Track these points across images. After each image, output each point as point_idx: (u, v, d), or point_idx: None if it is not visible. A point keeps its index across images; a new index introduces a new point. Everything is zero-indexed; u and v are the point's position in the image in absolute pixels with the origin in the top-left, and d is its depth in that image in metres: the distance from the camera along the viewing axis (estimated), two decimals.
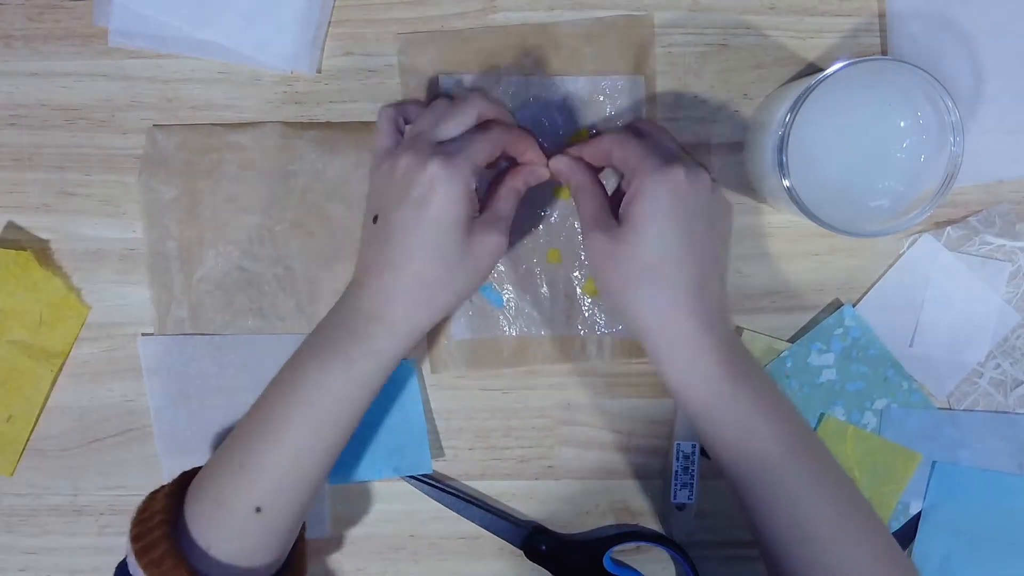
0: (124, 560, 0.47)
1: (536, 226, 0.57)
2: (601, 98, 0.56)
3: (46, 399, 0.58)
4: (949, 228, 0.56)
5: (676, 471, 0.57)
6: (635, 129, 0.51)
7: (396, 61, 0.56)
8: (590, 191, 0.50)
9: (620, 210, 0.47)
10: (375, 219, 0.48)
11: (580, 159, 0.52)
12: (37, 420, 0.58)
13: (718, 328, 0.46)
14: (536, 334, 0.57)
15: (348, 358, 0.47)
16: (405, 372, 0.57)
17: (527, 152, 0.52)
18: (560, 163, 0.52)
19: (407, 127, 0.51)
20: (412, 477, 0.58)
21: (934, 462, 0.57)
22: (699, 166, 0.47)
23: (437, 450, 0.58)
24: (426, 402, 0.58)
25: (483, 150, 0.48)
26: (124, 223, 0.57)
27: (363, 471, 0.58)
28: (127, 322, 0.58)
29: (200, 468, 0.49)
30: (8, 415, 0.58)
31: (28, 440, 0.58)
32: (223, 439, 0.50)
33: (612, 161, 0.50)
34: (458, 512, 0.58)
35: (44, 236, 0.57)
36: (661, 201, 0.45)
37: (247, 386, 0.57)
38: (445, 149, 0.47)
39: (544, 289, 0.57)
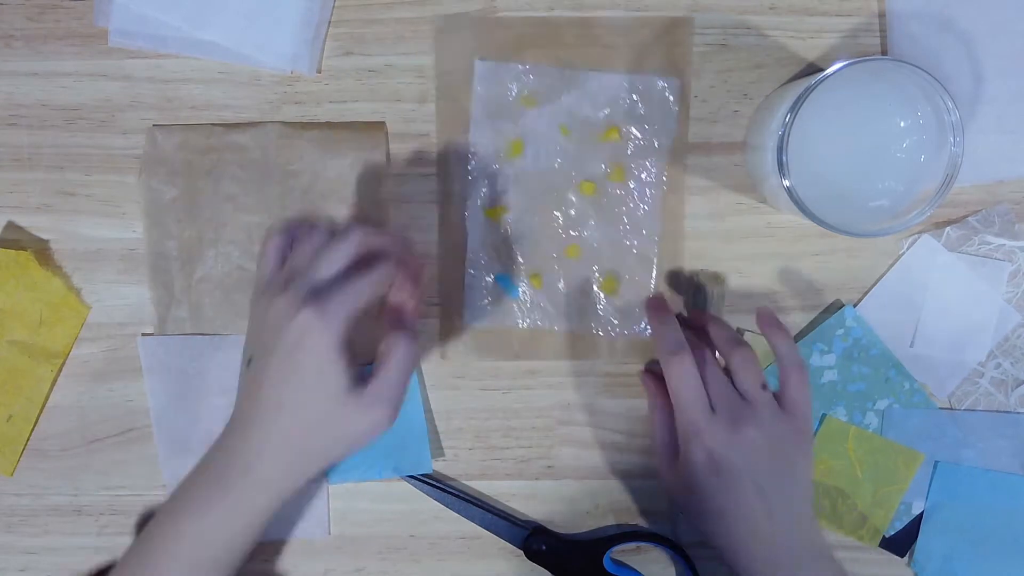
0: None
1: (558, 220, 0.56)
2: (635, 96, 0.55)
3: (46, 399, 0.58)
4: (948, 228, 0.56)
5: None
6: (701, 356, 0.51)
7: (431, 45, 0.55)
8: (660, 414, 0.54)
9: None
10: (249, 361, 0.46)
11: (658, 381, 0.54)
12: (37, 420, 0.58)
13: (784, 552, 0.48)
14: (549, 328, 0.57)
15: (222, 512, 0.46)
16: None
17: (410, 296, 0.50)
18: (646, 380, 0.56)
19: (288, 258, 0.48)
20: (412, 477, 0.58)
21: (936, 462, 0.57)
22: (753, 423, 0.49)
23: (437, 450, 0.58)
24: (426, 402, 0.58)
25: (361, 295, 0.45)
26: (124, 223, 0.57)
27: (363, 470, 0.58)
28: (127, 322, 0.58)
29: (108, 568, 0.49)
30: (8, 415, 0.58)
31: (28, 440, 0.58)
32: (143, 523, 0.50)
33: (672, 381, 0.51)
34: (458, 512, 0.58)
35: (44, 236, 0.57)
36: (700, 469, 0.49)
37: None
38: (319, 295, 0.44)
39: (561, 284, 0.57)
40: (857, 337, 0.56)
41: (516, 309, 0.57)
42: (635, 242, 0.56)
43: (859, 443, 0.57)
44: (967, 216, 0.56)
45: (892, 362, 0.56)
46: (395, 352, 0.46)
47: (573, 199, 0.56)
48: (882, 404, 0.57)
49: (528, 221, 0.56)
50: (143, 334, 0.57)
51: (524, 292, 0.57)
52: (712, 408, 0.49)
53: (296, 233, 0.48)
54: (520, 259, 0.57)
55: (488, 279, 0.57)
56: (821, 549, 0.49)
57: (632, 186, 0.56)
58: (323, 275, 0.45)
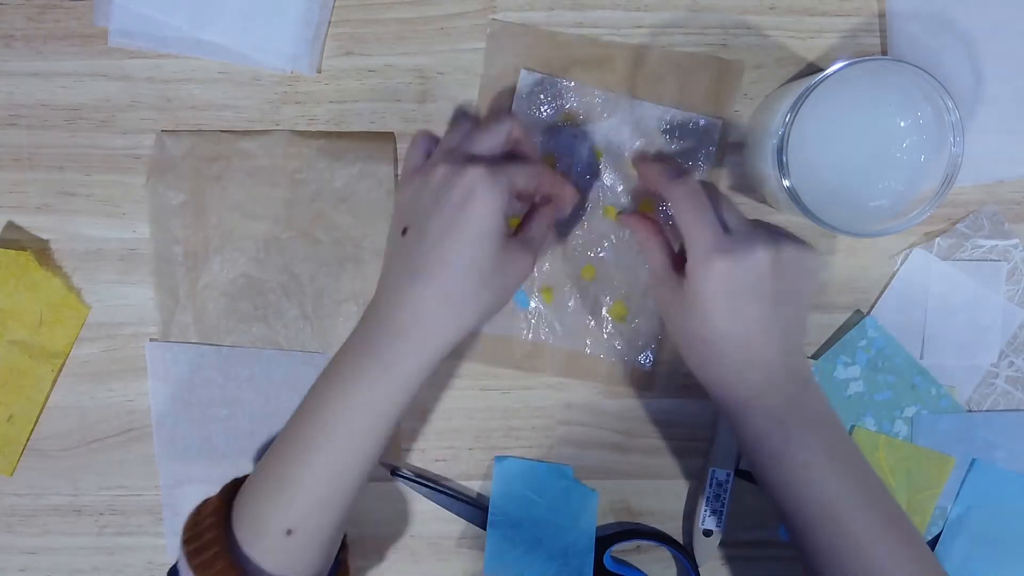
0: (175, 566, 0.47)
1: (576, 240, 0.57)
2: (677, 132, 0.55)
3: (46, 399, 0.58)
4: (938, 239, 0.56)
5: (708, 496, 0.57)
6: (695, 187, 0.49)
7: (483, 49, 0.56)
8: (655, 245, 0.51)
9: (685, 271, 0.48)
10: (404, 231, 0.47)
11: (646, 217, 0.53)
12: (37, 420, 0.58)
13: (774, 389, 0.47)
14: (553, 344, 0.57)
15: (371, 382, 0.45)
16: (588, 499, 0.57)
17: (564, 196, 0.52)
18: (628, 218, 0.54)
19: (437, 147, 0.50)
20: (408, 478, 0.58)
21: (973, 459, 0.57)
22: (762, 242, 0.46)
23: (437, 450, 0.58)
24: (425, 402, 0.58)
25: (521, 176, 0.47)
26: (124, 223, 0.57)
27: (522, 567, 0.57)
28: (127, 322, 0.58)
29: (245, 477, 0.49)
30: (8, 415, 0.58)
31: (28, 440, 0.58)
32: (264, 452, 0.49)
33: (675, 214, 0.49)
34: (457, 513, 0.58)
35: (44, 236, 0.57)
36: (709, 288, 0.46)
37: (251, 399, 0.57)
38: (484, 160, 0.46)
39: (572, 303, 0.57)
40: (880, 347, 0.56)
41: (524, 320, 0.57)
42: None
43: (890, 452, 0.57)
44: (955, 224, 0.56)
45: (917, 369, 0.56)
46: (538, 212, 0.51)
47: (596, 221, 0.56)
48: (910, 411, 0.57)
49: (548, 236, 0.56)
50: (151, 339, 0.57)
51: (535, 304, 0.57)
52: (725, 228, 0.47)
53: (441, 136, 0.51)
54: (535, 272, 0.57)
55: None
56: (808, 378, 0.48)
57: (659, 217, 0.56)
58: (481, 148, 0.47)
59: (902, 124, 0.50)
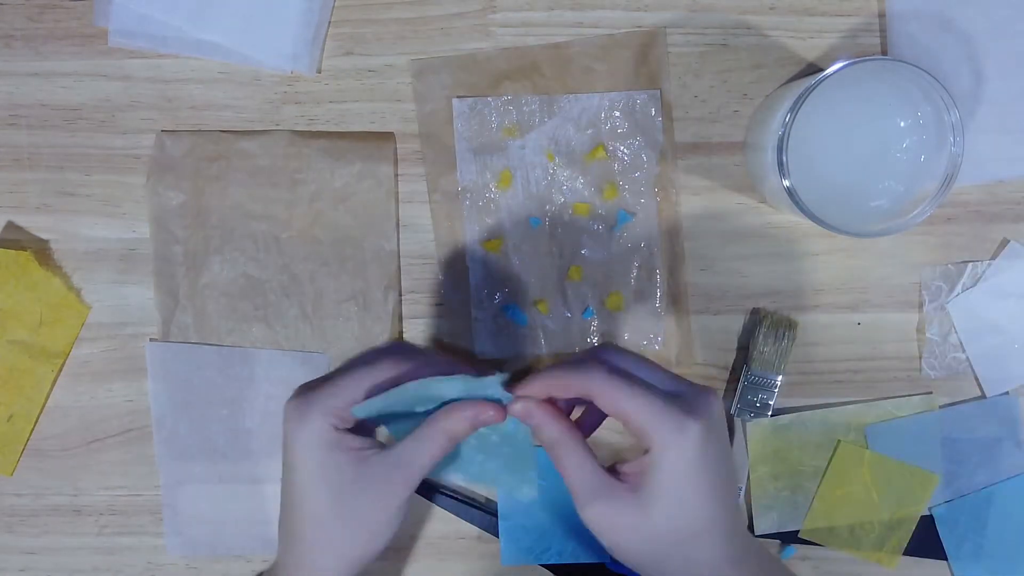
0: None
1: (555, 245, 0.56)
2: (617, 113, 0.56)
3: (46, 399, 0.58)
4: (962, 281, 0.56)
5: None
6: (611, 366, 0.41)
7: (411, 86, 0.56)
8: (572, 448, 0.41)
9: (632, 473, 0.41)
10: None
11: (550, 405, 0.42)
12: (37, 420, 0.58)
13: (750, 560, 0.42)
14: (565, 350, 0.57)
15: None
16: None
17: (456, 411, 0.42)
18: (526, 410, 0.42)
19: None
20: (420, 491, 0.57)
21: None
22: (705, 395, 0.41)
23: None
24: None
25: (353, 382, 0.42)
26: (124, 223, 0.57)
27: (538, 552, 0.57)
28: (127, 322, 0.58)
29: None
30: (8, 415, 0.58)
31: (28, 440, 0.58)
32: None
33: (605, 409, 0.41)
34: (457, 513, 0.58)
35: (44, 236, 0.57)
36: (690, 464, 0.39)
37: (251, 399, 0.57)
38: (304, 390, 0.43)
39: (567, 307, 0.57)
40: None
41: (529, 336, 0.57)
42: (635, 255, 0.56)
43: (874, 467, 0.56)
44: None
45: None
46: (428, 424, 0.42)
47: (568, 222, 0.56)
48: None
49: (526, 249, 0.56)
50: (151, 339, 0.57)
51: (533, 319, 0.57)
52: (661, 398, 0.40)
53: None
54: (524, 287, 0.57)
55: (494, 311, 0.57)
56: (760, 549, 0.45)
57: (627, 200, 0.56)
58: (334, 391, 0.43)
59: (902, 124, 0.50)
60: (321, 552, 0.42)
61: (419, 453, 0.42)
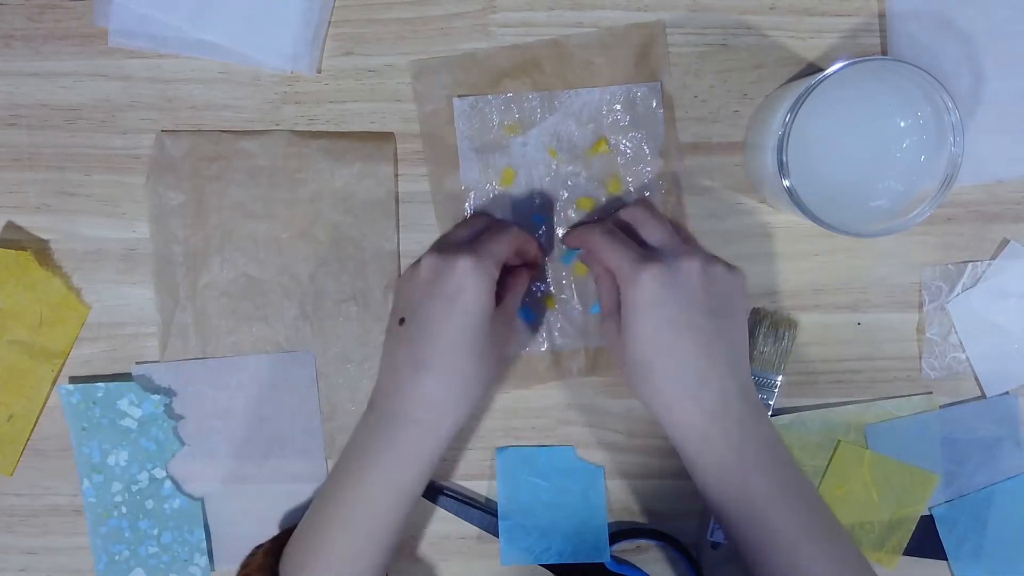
0: None
1: (559, 243, 0.57)
2: (618, 106, 0.56)
3: (46, 399, 0.58)
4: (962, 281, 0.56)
5: None
6: (618, 220, 0.52)
7: (411, 86, 0.56)
8: (603, 281, 0.52)
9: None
10: (401, 321, 0.49)
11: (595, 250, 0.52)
12: (37, 420, 0.58)
13: (730, 412, 0.46)
14: (573, 347, 0.57)
15: (389, 469, 0.48)
16: (594, 475, 0.57)
17: (534, 253, 0.54)
18: (581, 245, 0.55)
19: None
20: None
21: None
22: (687, 254, 0.47)
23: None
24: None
25: (505, 246, 0.50)
26: (124, 223, 0.57)
27: (538, 553, 0.57)
28: (127, 322, 0.58)
29: (293, 528, 0.51)
30: (8, 415, 0.58)
31: (28, 440, 0.58)
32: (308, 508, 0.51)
33: (599, 259, 0.51)
34: (457, 513, 0.58)
35: (44, 236, 0.57)
36: (641, 302, 0.46)
37: (243, 405, 0.57)
38: (471, 246, 0.48)
39: (575, 302, 0.57)
40: None
41: (536, 333, 0.57)
42: None
43: (874, 467, 0.56)
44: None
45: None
46: (513, 280, 0.53)
47: (573, 217, 0.56)
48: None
49: None
50: (136, 363, 0.57)
51: (540, 315, 0.57)
52: (652, 248, 0.49)
53: None
54: (530, 284, 0.57)
55: None
56: (756, 405, 0.48)
57: (631, 193, 0.56)
58: (464, 236, 0.51)
59: (902, 124, 0.50)
60: (464, 381, 0.48)
61: (516, 303, 0.53)
